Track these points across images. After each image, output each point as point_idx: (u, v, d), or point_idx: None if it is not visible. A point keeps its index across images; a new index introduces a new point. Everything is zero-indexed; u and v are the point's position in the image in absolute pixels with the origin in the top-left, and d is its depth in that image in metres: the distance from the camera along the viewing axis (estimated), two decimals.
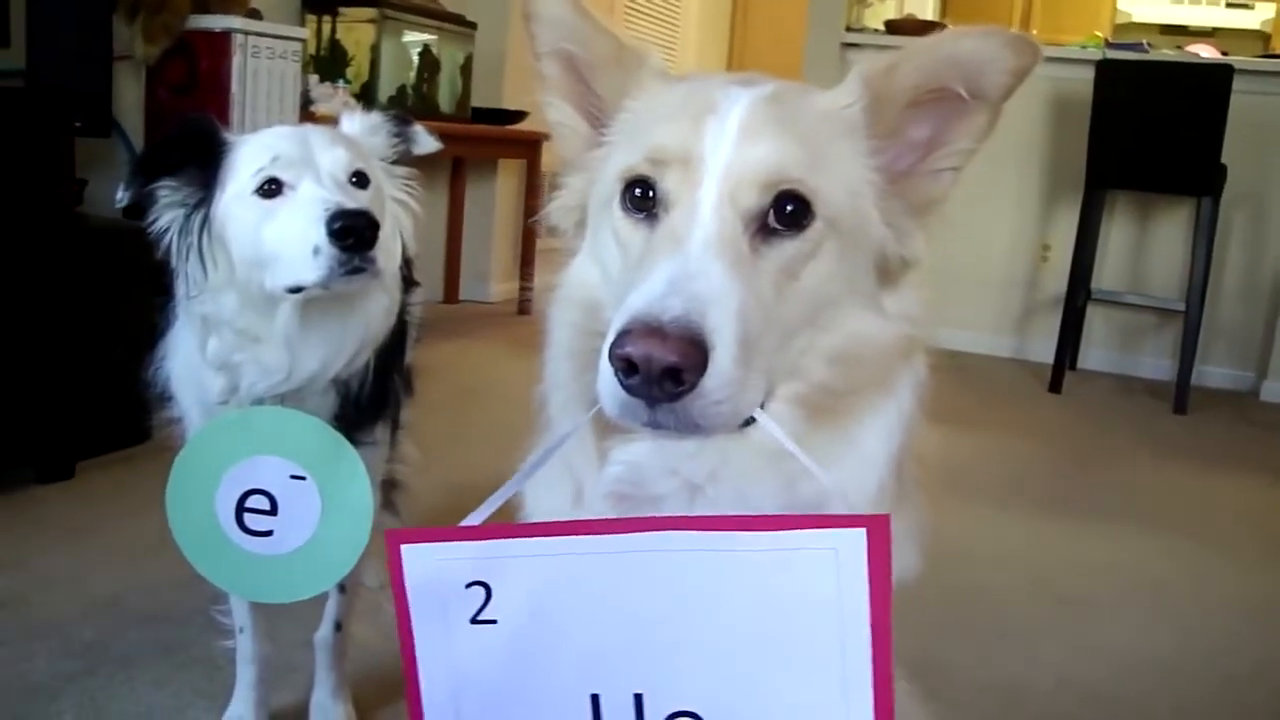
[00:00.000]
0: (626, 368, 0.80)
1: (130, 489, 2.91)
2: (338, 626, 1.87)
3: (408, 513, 2.15)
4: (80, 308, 2.98)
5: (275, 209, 1.48)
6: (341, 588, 1.85)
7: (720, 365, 0.80)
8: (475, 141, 5.49)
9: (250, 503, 1.51)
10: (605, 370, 0.81)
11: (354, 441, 1.52)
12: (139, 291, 3.13)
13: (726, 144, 0.91)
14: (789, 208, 0.91)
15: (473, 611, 0.87)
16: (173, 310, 1.61)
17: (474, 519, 0.87)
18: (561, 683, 0.87)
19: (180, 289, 1.54)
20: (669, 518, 0.87)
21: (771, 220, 0.91)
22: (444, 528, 0.86)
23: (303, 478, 1.49)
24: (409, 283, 1.81)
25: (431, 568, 0.86)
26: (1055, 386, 5.30)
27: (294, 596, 1.55)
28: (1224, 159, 4.98)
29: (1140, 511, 3.58)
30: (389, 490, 1.85)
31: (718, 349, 0.80)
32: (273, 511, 1.51)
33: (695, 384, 0.78)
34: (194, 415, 1.62)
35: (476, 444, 3.28)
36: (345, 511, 1.50)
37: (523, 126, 5.71)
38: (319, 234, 1.42)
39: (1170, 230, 5.80)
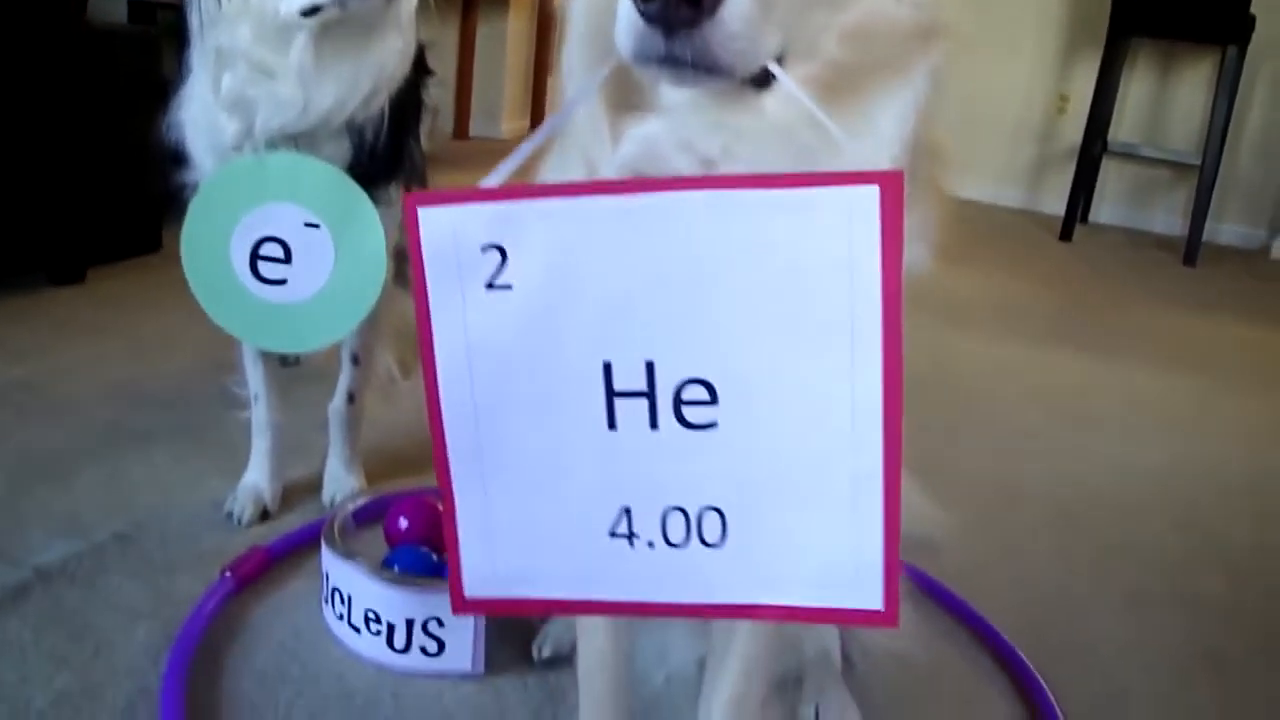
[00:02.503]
0: None
1: (141, 292, 2.93)
2: (350, 398, 1.89)
3: None
4: (91, 116, 2.95)
5: None
6: (355, 359, 1.87)
7: None
8: None
9: (265, 250, 1.52)
10: (624, 6, 0.81)
11: (369, 197, 1.53)
12: (148, 100, 3.11)
13: None
14: None
15: (488, 276, 0.87)
16: (188, 61, 1.60)
17: (490, 182, 0.87)
18: (574, 350, 0.87)
19: (194, 22, 1.51)
20: (685, 178, 0.88)
21: None
22: (461, 189, 0.86)
23: (317, 225, 1.50)
24: (423, 69, 1.79)
25: (448, 231, 0.86)
26: (1066, 235, 5.28)
27: (307, 346, 1.57)
28: (1253, 9, 4.87)
29: (1145, 347, 3.62)
30: (402, 262, 1.85)
31: None
32: (287, 259, 1.52)
33: (713, 9, 0.78)
34: (208, 163, 1.61)
35: None
36: (359, 261, 1.51)
37: None
38: None
39: (1192, 82, 5.71)
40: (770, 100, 0.89)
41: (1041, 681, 1.55)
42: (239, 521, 1.79)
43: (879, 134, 0.91)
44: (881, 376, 0.83)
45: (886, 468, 0.84)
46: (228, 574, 1.57)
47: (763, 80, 0.86)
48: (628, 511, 0.90)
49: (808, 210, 0.80)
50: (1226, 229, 5.72)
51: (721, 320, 0.85)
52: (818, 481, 0.86)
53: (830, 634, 1.51)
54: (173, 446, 2.06)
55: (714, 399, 0.86)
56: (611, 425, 0.88)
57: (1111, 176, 5.85)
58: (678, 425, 0.87)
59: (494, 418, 0.91)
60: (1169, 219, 5.83)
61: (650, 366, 0.87)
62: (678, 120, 0.92)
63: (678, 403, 0.87)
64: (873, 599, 0.87)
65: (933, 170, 1.00)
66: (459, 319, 0.89)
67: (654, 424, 0.87)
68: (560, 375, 0.89)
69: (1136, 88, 5.77)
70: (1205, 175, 5.07)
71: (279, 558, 1.67)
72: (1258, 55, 5.28)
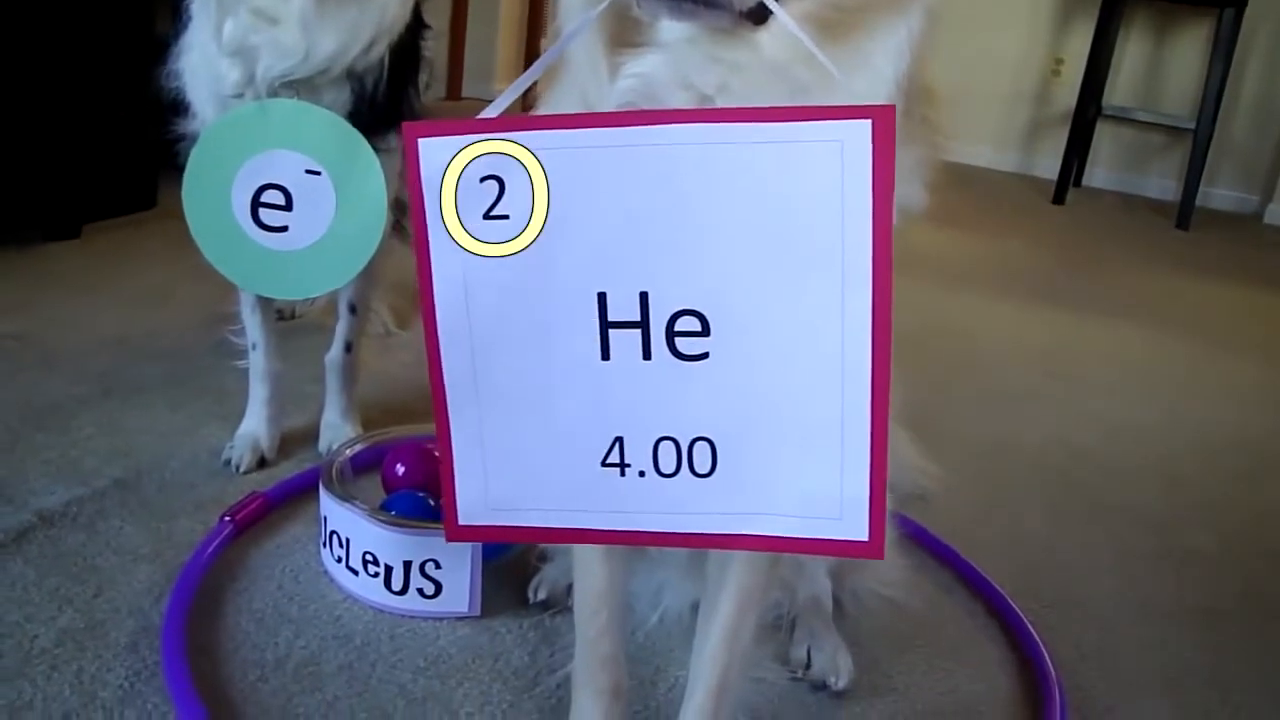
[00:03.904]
0: None
1: (136, 248, 2.92)
2: (347, 347, 1.90)
3: None
4: (86, 73, 2.93)
5: None
6: (352, 308, 1.88)
7: None
8: None
9: (266, 198, 1.52)
10: None
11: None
12: (143, 56, 3.09)
13: None
14: None
15: (486, 207, 0.88)
16: (187, 9, 1.60)
17: (489, 113, 0.88)
18: (570, 280, 0.89)
19: None
20: (679, 111, 0.89)
21: None
22: (460, 120, 0.87)
23: (318, 173, 1.51)
24: (421, 22, 1.79)
25: (447, 162, 0.87)
26: (1059, 198, 5.29)
27: (307, 292, 1.58)
28: None
29: (1137, 309, 3.64)
30: (401, 213, 1.85)
31: None
32: (288, 206, 1.52)
33: None
34: (209, 112, 1.62)
35: None
36: (359, 207, 1.52)
37: None
38: None
39: (1188, 46, 5.70)
40: (766, 36, 0.90)
41: (1032, 630, 1.57)
42: (237, 469, 1.80)
43: (875, 71, 0.92)
44: (871, 309, 0.84)
45: (874, 399, 0.86)
46: (227, 519, 1.58)
47: (760, 15, 0.87)
48: (620, 441, 0.92)
49: (800, 144, 0.82)
50: (1220, 193, 5.73)
51: (715, 252, 0.86)
52: (806, 413, 0.87)
53: (822, 579, 1.53)
54: (170, 396, 2.07)
55: (706, 330, 0.88)
56: (605, 356, 0.90)
57: (1105, 140, 5.84)
58: (670, 356, 0.89)
59: (489, 347, 0.93)
60: (1162, 183, 5.83)
61: (644, 297, 0.88)
62: (675, 56, 0.93)
63: (670, 334, 0.89)
64: (858, 530, 0.89)
65: (925, 110, 1.01)
66: (457, 248, 0.90)
67: (647, 354, 0.89)
68: (555, 305, 0.90)
69: (1132, 51, 5.76)
70: (1199, 139, 5.07)
71: (278, 503, 1.68)
72: (1255, 18, 5.27)
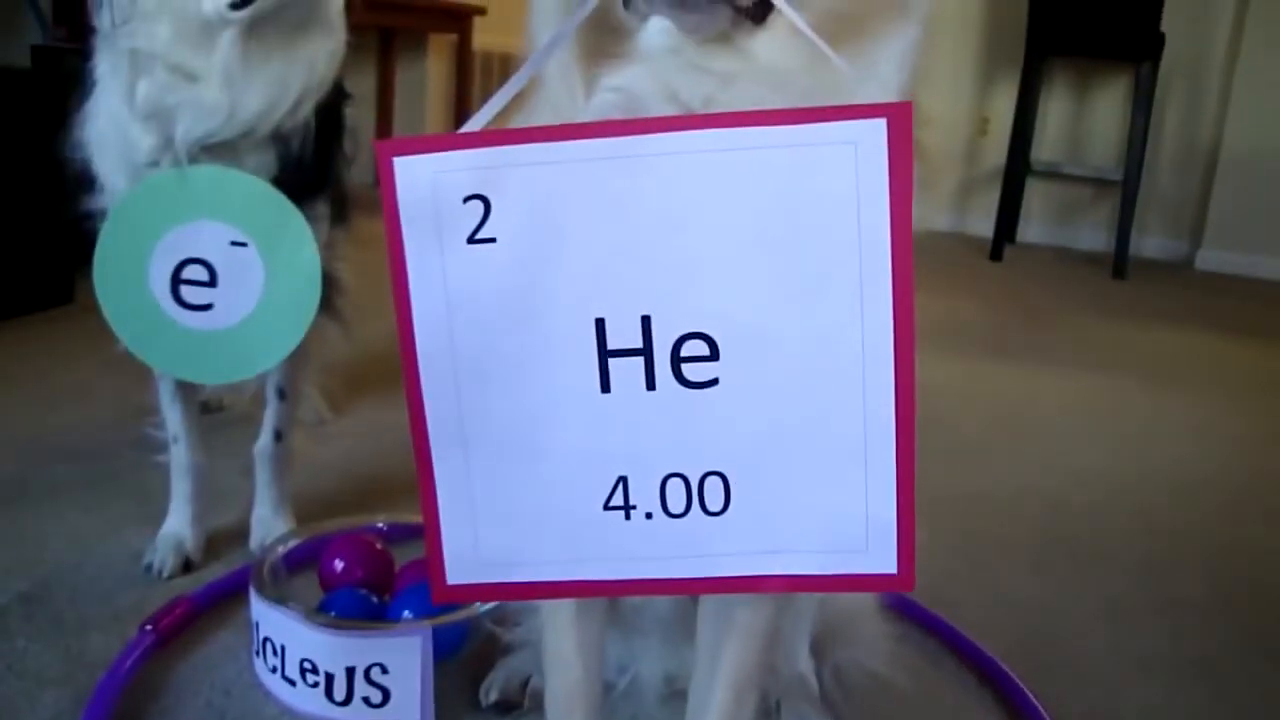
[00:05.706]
0: None
1: (52, 345, 2.77)
2: (278, 436, 1.77)
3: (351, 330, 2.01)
4: None
5: None
6: (281, 394, 1.75)
7: None
8: (404, 10, 5.25)
9: (187, 274, 1.41)
10: None
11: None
12: (54, 149, 2.98)
13: None
14: None
15: (470, 229, 0.81)
16: (91, 72, 1.48)
17: (470, 127, 0.80)
18: (565, 306, 0.82)
19: (104, 23, 1.39)
20: (680, 118, 0.81)
21: None
22: (440, 135, 0.80)
23: (244, 244, 1.39)
24: (342, 91, 1.69)
25: (426, 181, 0.80)
26: (996, 255, 5.31)
27: (238, 375, 1.47)
28: (1162, 27, 4.96)
29: (1086, 356, 3.63)
30: (330, 288, 1.73)
31: None
32: (212, 283, 1.41)
33: None
34: (120, 184, 1.48)
35: None
36: (291, 280, 1.41)
37: None
38: None
39: (1109, 100, 5.79)
40: (763, 41, 0.84)
41: (1032, 697, 1.46)
42: (159, 574, 1.65)
43: (882, 80, 0.87)
44: (892, 318, 0.79)
45: (899, 416, 0.80)
46: (148, 628, 1.43)
47: (759, 14, 0.83)
48: (624, 481, 0.84)
49: (809, 147, 0.77)
50: (1151, 242, 5.79)
51: (721, 269, 0.80)
52: (827, 436, 0.81)
53: (803, 656, 1.42)
54: (85, 498, 1.92)
55: (715, 354, 0.81)
56: (605, 388, 0.83)
57: (1037, 195, 5.89)
58: (677, 384, 0.82)
59: (477, 384, 0.85)
60: (1094, 235, 5.88)
61: (646, 321, 0.81)
62: (658, 67, 0.86)
63: (676, 360, 0.82)
64: (885, 562, 0.82)
65: (917, 132, 0.93)
66: (438, 278, 0.82)
67: (651, 384, 0.82)
68: (549, 335, 0.83)
69: (1055, 107, 5.85)
70: (1128, 190, 5.13)
71: (204, 609, 1.53)
72: (1170, 71, 5.37)
